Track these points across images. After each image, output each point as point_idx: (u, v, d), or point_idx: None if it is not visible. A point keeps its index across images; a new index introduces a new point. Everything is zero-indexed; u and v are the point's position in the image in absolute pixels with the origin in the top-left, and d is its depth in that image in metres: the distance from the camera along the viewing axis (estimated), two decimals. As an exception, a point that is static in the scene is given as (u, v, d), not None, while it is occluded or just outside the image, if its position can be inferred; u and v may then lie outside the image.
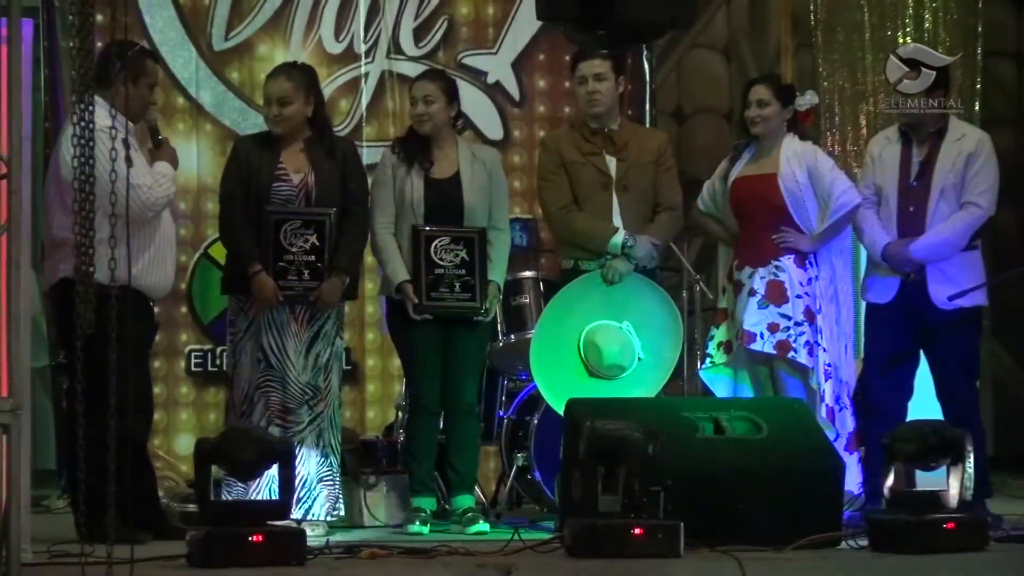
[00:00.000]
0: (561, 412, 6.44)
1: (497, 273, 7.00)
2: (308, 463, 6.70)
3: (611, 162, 7.06)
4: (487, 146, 8.08)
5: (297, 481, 6.59)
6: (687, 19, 8.63)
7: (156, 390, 7.76)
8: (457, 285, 6.90)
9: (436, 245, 6.89)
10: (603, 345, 6.89)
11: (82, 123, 4.86)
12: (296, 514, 6.53)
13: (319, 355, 6.75)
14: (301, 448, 6.66)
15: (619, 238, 6.95)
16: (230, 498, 6.42)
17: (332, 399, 6.80)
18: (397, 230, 6.94)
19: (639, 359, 6.94)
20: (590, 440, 5.60)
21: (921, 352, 7.11)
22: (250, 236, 6.67)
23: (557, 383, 6.91)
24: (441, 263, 6.88)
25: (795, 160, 7.05)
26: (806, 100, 7.19)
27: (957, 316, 6.95)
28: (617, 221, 7.00)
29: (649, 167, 7.08)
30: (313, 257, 6.71)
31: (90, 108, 4.92)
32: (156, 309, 6.88)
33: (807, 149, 7.13)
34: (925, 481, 5.95)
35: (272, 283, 6.65)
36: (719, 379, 7.17)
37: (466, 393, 7.02)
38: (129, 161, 5.56)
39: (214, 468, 5.49)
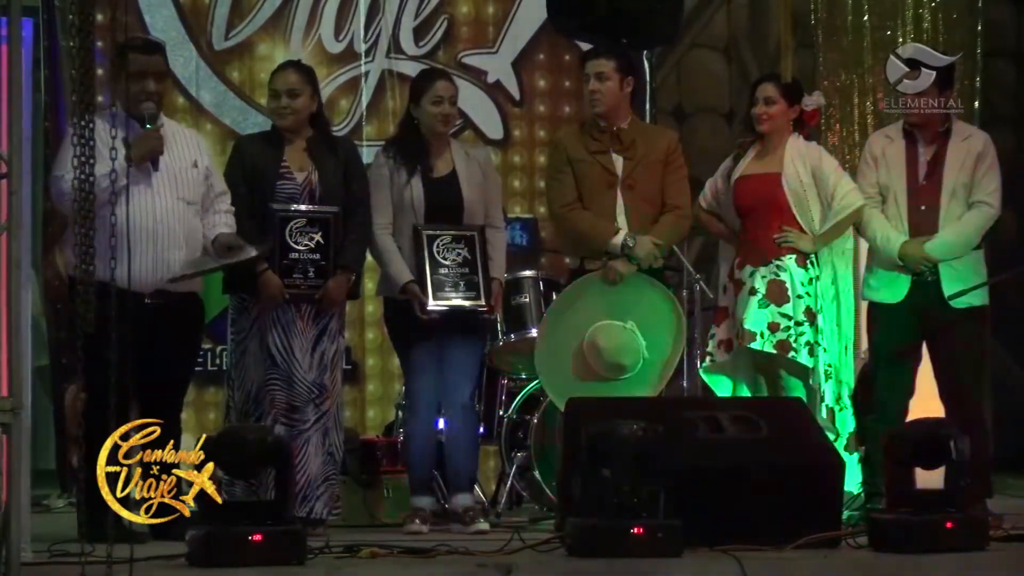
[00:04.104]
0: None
1: (497, 271, 7.01)
2: (313, 462, 6.70)
3: (617, 161, 7.05)
4: (479, 144, 8.12)
5: (302, 480, 6.60)
6: (671, 34, 8.70)
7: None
8: (462, 284, 6.91)
9: (438, 244, 6.89)
10: (604, 345, 6.89)
11: (83, 123, 4.86)
12: (299, 513, 6.54)
13: (324, 353, 6.76)
14: (307, 447, 6.67)
15: (619, 238, 6.94)
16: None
17: (337, 397, 6.81)
18: (396, 230, 6.94)
19: (644, 358, 6.94)
20: (590, 440, 5.60)
21: (922, 352, 7.11)
22: (255, 234, 6.67)
23: (561, 383, 6.91)
24: (444, 262, 6.89)
25: (799, 160, 7.06)
26: (813, 100, 7.20)
27: (967, 315, 6.94)
28: (622, 220, 6.99)
29: (656, 167, 7.06)
30: (318, 255, 6.72)
31: (91, 108, 4.92)
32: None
33: (811, 149, 7.14)
34: (925, 481, 5.95)
35: (278, 281, 6.66)
36: (719, 378, 7.17)
37: (466, 392, 7.02)
38: (129, 161, 5.56)
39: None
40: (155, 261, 6.33)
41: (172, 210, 6.39)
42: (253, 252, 6.47)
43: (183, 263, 6.37)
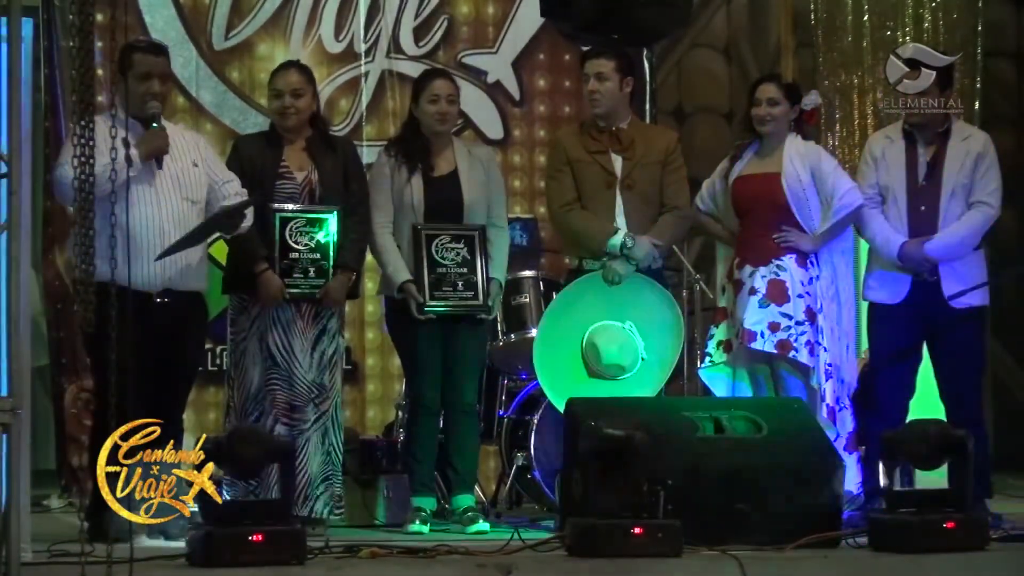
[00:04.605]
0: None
1: (498, 271, 7.01)
2: (313, 462, 6.71)
3: (616, 160, 7.05)
4: (482, 144, 8.11)
5: (302, 479, 6.61)
6: (681, 23, 8.68)
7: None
8: (460, 283, 6.91)
9: (437, 244, 6.90)
10: (602, 345, 6.89)
11: (83, 122, 4.86)
12: (301, 512, 6.54)
13: (324, 352, 6.77)
14: (307, 447, 6.68)
15: (618, 238, 6.94)
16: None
17: (336, 397, 6.82)
18: (396, 229, 6.94)
19: (642, 359, 6.94)
20: (590, 440, 5.60)
21: (922, 352, 7.11)
22: (255, 234, 6.67)
23: (560, 383, 6.91)
24: (443, 262, 6.89)
25: (798, 160, 7.06)
26: (811, 100, 7.20)
27: (968, 314, 6.94)
28: (620, 220, 6.99)
29: (656, 167, 7.06)
30: (318, 255, 6.72)
31: (91, 108, 4.92)
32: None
33: (810, 149, 7.14)
34: (925, 481, 5.95)
35: (279, 281, 6.67)
36: (718, 378, 7.17)
37: (466, 392, 7.02)
38: (129, 161, 5.56)
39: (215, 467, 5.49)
40: (161, 261, 6.34)
41: (177, 210, 6.39)
42: (239, 201, 6.44)
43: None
